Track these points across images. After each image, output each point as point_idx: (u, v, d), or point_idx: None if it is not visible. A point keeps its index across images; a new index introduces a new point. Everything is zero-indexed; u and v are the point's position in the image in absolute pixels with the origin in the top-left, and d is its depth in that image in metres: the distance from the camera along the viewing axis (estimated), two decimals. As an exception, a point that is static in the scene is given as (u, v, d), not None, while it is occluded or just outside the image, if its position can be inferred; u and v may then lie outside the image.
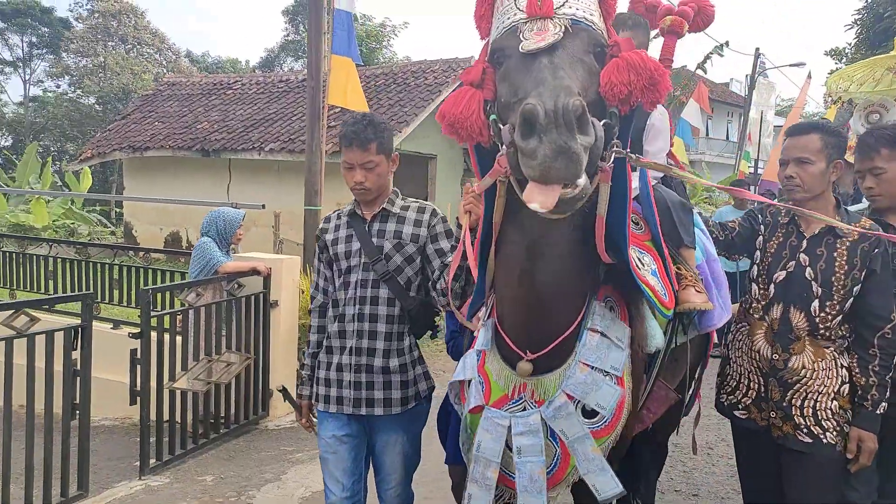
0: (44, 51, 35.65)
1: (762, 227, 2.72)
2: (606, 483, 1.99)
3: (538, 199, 1.47)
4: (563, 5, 1.71)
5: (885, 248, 2.48)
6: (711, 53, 21.78)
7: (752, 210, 2.82)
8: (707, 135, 34.43)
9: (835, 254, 2.49)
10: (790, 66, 24.19)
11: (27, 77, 35.96)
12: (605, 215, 1.78)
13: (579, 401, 1.99)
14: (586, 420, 2.00)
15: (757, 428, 2.65)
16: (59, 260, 7.09)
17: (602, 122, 1.60)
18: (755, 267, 2.69)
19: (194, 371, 4.42)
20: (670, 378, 2.52)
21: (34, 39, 35.48)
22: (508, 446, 2.05)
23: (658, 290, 2.08)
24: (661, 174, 2.57)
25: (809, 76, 17.07)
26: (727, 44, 21.60)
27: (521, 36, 1.69)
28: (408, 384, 2.62)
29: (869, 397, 2.43)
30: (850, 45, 19.94)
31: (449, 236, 2.60)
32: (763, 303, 2.62)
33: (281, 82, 15.04)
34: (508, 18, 1.74)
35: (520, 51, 1.65)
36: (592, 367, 1.98)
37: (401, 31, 31.72)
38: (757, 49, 23.51)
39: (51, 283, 6.90)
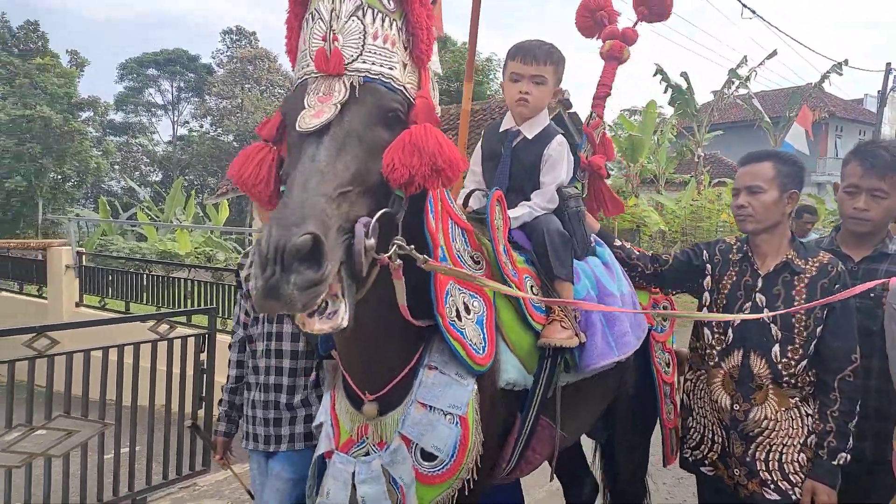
0: (190, 94, 39.48)
1: (709, 265, 2.48)
2: None
3: (305, 327, 1.44)
4: (355, 59, 1.55)
5: (845, 284, 2.23)
6: (829, 72, 21.06)
7: (699, 245, 2.60)
8: (836, 155, 32.57)
9: (793, 292, 2.26)
10: (928, 79, 22.74)
11: (175, 118, 39.94)
12: (406, 300, 1.70)
13: (416, 443, 1.85)
14: (425, 463, 1.86)
15: (725, 487, 2.42)
16: (195, 282, 8.35)
17: (381, 212, 1.52)
18: (705, 309, 2.46)
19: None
20: (566, 419, 2.27)
21: (182, 84, 39.40)
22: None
23: (471, 344, 1.88)
24: (553, 206, 2.37)
25: (952, 89, 15.78)
26: (846, 62, 20.80)
27: (305, 100, 1.54)
28: (312, 418, 2.47)
29: (825, 445, 2.18)
30: None
31: None
32: (718, 348, 2.39)
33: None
34: (303, 68, 1.60)
35: (296, 128, 1.51)
36: (430, 407, 1.86)
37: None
38: (888, 64, 22.34)
39: (189, 301, 8.14)
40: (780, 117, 22.29)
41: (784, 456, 2.26)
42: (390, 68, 1.59)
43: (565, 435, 2.31)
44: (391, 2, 1.59)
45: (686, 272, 2.53)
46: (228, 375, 2.72)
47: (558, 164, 2.38)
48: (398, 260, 1.59)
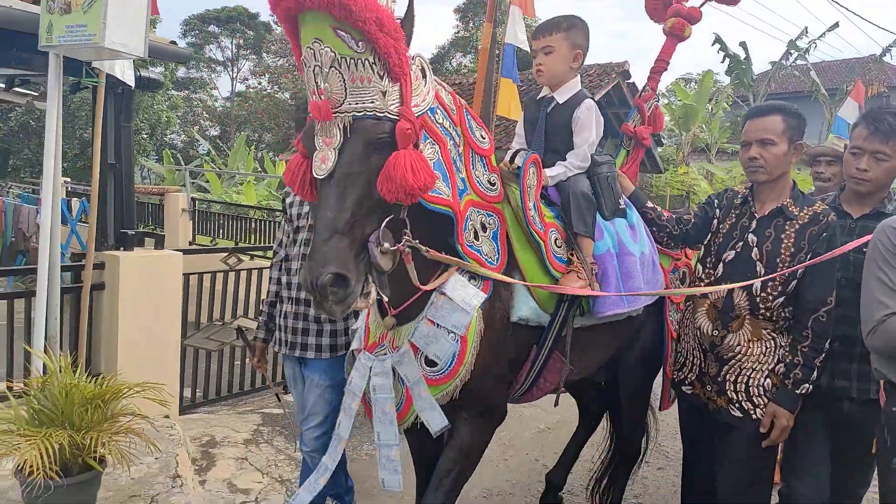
0: (248, 52, 40.40)
1: (717, 210, 2.69)
2: (434, 419, 2.27)
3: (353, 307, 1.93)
4: (342, 103, 1.86)
5: (833, 233, 2.40)
6: (891, 46, 20.84)
7: (711, 196, 2.79)
8: None
9: (783, 235, 2.44)
10: None
11: (234, 75, 40.99)
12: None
13: (422, 351, 2.25)
14: (428, 368, 2.26)
15: (699, 404, 2.66)
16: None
17: (386, 221, 1.93)
18: (703, 248, 2.68)
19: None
20: (576, 356, 2.59)
21: (241, 42, 40.27)
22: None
23: (486, 257, 2.31)
24: (585, 165, 2.64)
25: None
26: (910, 35, 20.56)
27: (315, 142, 1.93)
28: (337, 333, 2.91)
29: (791, 375, 2.39)
30: None
31: None
32: (706, 282, 2.60)
33: (454, 85, 16.81)
34: (307, 111, 1.98)
35: (315, 175, 1.93)
36: (437, 324, 2.23)
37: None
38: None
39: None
40: (838, 89, 22.16)
41: (751, 380, 2.48)
42: (372, 102, 1.88)
43: (573, 369, 2.60)
44: (359, 44, 1.82)
45: (706, 226, 2.73)
46: (269, 290, 3.18)
47: (587, 125, 2.62)
48: (407, 250, 2.05)
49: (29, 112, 22.69)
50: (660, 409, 3.36)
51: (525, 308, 2.40)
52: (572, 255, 2.52)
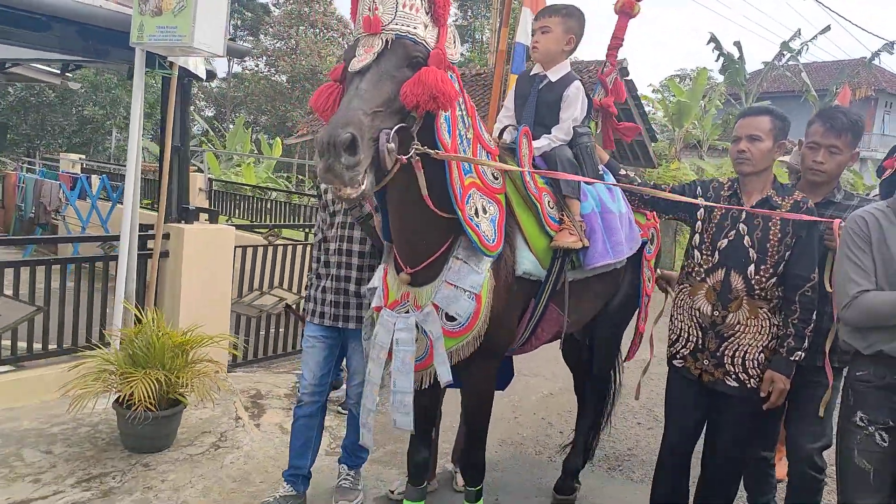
0: (246, 33, 40.37)
1: (702, 198, 2.83)
2: (444, 373, 2.51)
3: (343, 193, 1.98)
4: (390, 23, 2.08)
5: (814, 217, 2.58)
6: (880, 50, 21.52)
7: (695, 181, 2.96)
8: (883, 132, 32.49)
9: (770, 223, 2.65)
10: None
11: (231, 56, 41.00)
12: (429, 191, 2.27)
13: (443, 309, 2.48)
14: (448, 322, 2.49)
15: (690, 376, 2.84)
16: (310, 207, 10.01)
17: (398, 126, 2.05)
18: (697, 236, 2.82)
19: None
20: (571, 308, 2.84)
21: (239, 23, 40.22)
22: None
23: (484, 235, 2.46)
24: (567, 138, 2.89)
25: None
26: (898, 41, 21.20)
27: (356, 51, 2.11)
28: None
29: (785, 344, 2.61)
30: None
31: None
32: (705, 267, 2.77)
33: (456, 74, 17.19)
34: (357, 29, 2.17)
35: (348, 70, 2.11)
36: (455, 286, 2.46)
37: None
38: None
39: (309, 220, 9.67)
40: (827, 90, 22.78)
41: (747, 354, 2.69)
42: (415, 28, 2.12)
43: (569, 320, 2.88)
44: None
45: (677, 203, 2.89)
46: (313, 267, 3.32)
47: (574, 103, 2.91)
48: (416, 157, 2.18)
49: (28, 88, 22.86)
50: (623, 360, 3.75)
51: (527, 262, 2.65)
52: (563, 215, 2.81)
